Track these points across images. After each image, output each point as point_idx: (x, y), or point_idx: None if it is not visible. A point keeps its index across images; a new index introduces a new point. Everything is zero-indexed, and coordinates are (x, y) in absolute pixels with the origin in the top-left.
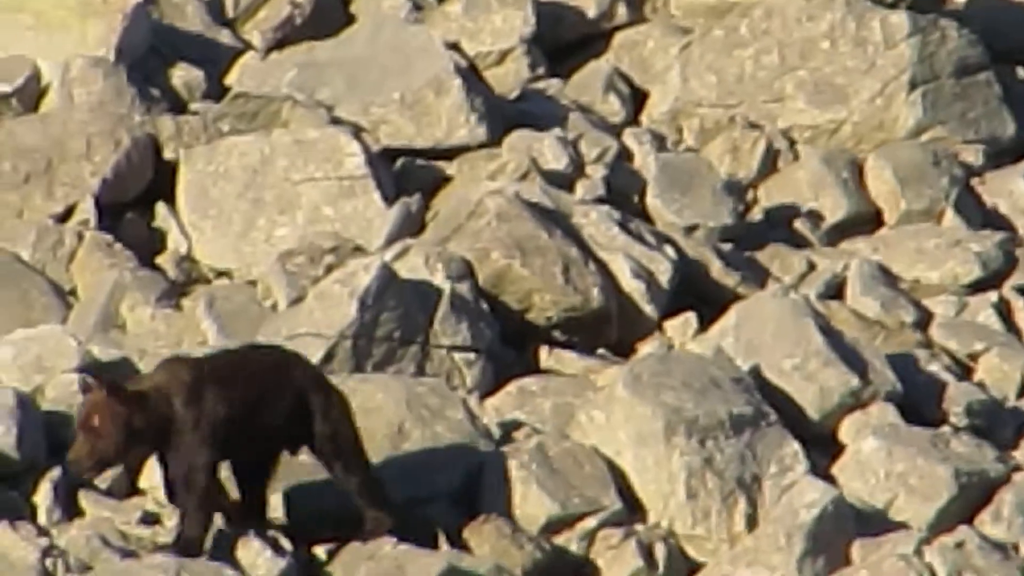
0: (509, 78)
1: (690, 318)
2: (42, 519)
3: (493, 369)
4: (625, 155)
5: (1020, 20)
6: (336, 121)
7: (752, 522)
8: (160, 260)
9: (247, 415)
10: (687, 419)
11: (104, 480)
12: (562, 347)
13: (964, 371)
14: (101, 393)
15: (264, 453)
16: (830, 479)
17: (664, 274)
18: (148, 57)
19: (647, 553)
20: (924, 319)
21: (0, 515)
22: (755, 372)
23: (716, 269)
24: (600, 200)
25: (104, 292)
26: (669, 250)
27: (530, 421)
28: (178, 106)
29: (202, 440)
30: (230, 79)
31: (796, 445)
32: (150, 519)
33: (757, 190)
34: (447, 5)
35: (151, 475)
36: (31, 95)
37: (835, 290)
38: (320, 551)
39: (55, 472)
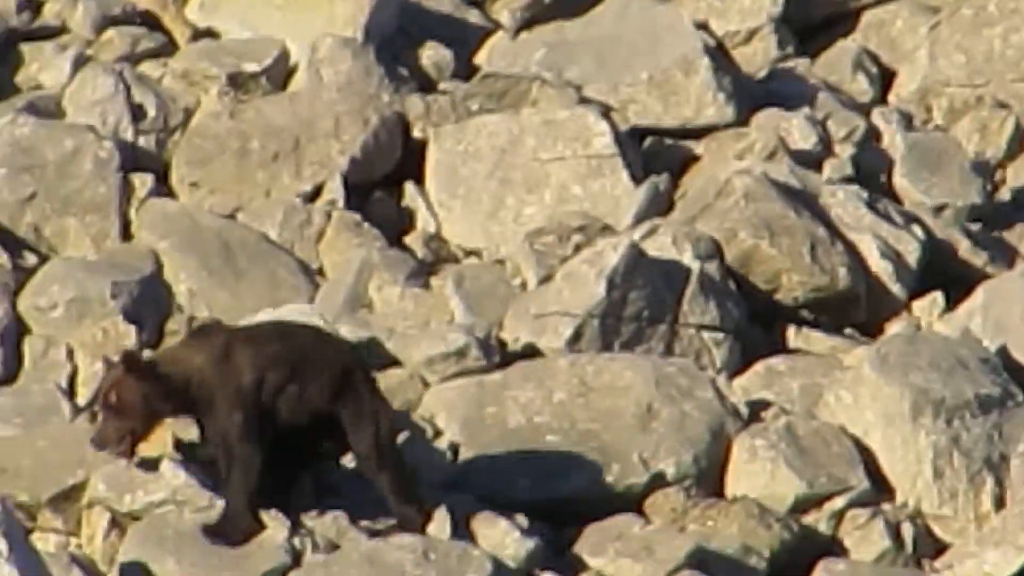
0: (757, 57)
1: (937, 298)
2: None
3: (741, 349)
4: (873, 135)
5: None
6: (584, 100)
7: (999, 502)
8: (408, 239)
9: (280, 383)
10: (934, 399)
11: (350, 460)
12: (810, 327)
13: None
14: (119, 369)
15: (296, 436)
16: None
17: (912, 254)
18: (396, 37)
19: (894, 533)
20: None
21: None
22: (1002, 352)
23: (964, 249)
24: (848, 180)
25: (352, 271)
26: (917, 230)
27: (778, 401)
28: (427, 85)
29: (232, 402)
30: (479, 58)
31: None
32: None
33: (1005, 170)
34: None
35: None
36: (280, 75)
37: None
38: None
39: None
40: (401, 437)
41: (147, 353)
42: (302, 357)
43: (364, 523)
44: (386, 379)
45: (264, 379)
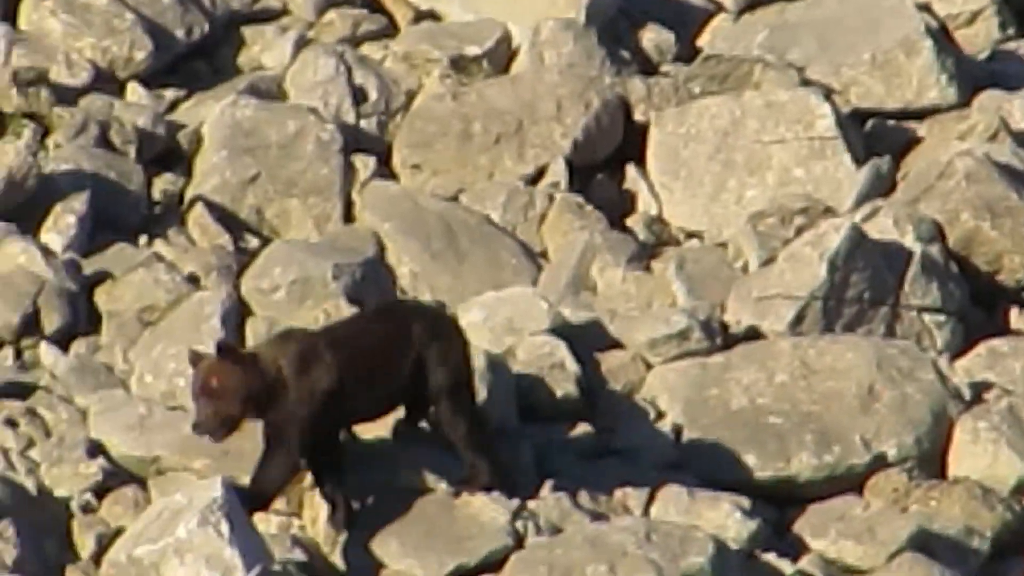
0: (979, 39)
1: None
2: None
3: (963, 330)
4: None
5: None
6: (806, 82)
7: None
8: (630, 222)
9: (360, 385)
10: None
11: (574, 443)
12: None
13: None
14: (213, 356)
15: (381, 412)
16: None
17: None
18: (618, 19)
19: None
20: None
21: None
22: None
23: None
24: None
25: (574, 254)
26: None
27: (1000, 382)
28: (648, 68)
29: (303, 408)
30: (701, 41)
31: None
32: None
33: None
34: None
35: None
36: (501, 57)
37: None
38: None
39: (525, 434)
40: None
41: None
42: (383, 350)
43: (587, 505)
44: (607, 360)
45: (341, 387)
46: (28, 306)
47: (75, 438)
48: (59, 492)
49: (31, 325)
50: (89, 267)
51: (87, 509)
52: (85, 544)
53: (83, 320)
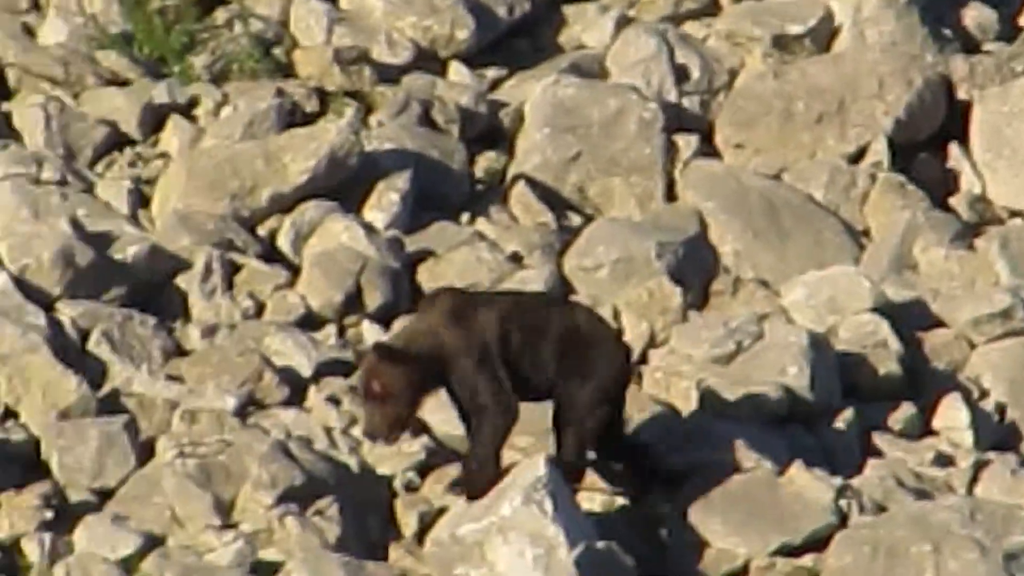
0: None
1: None
2: (837, 460)
3: None
4: None
5: None
6: None
7: None
8: (953, 201)
9: (516, 343)
10: None
11: (897, 422)
12: None
13: None
14: (373, 358)
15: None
16: None
17: None
18: None
19: None
20: None
21: (796, 455)
22: None
23: None
24: None
25: (897, 233)
26: None
27: None
28: (970, 46)
29: (478, 362)
30: (1023, 19)
31: None
32: (943, 460)
33: None
34: None
35: (944, 415)
36: (823, 35)
37: None
38: None
39: (847, 413)
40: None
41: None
42: (534, 316)
43: (910, 484)
44: (930, 339)
45: (499, 336)
46: (351, 284)
47: None
48: (382, 470)
49: (354, 303)
50: (412, 245)
51: (410, 487)
52: (408, 523)
53: (405, 298)
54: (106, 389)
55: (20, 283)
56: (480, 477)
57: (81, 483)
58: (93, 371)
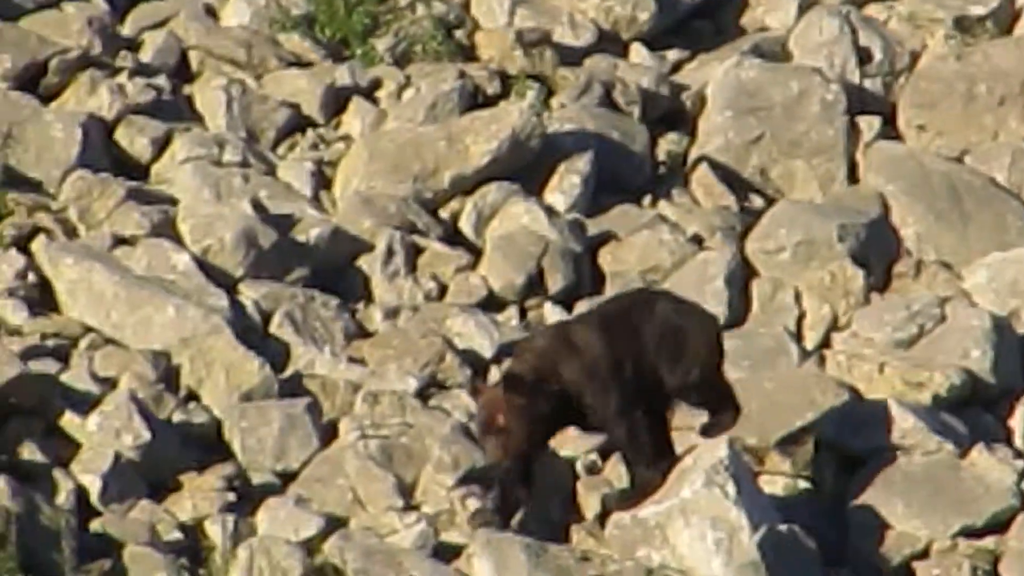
0: None
1: None
2: (1018, 442)
3: None
4: None
5: None
6: None
7: None
8: None
9: (633, 357)
10: None
11: None
12: None
13: None
14: (497, 390)
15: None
16: None
17: None
18: None
19: None
20: None
21: (978, 438)
22: None
23: None
24: None
25: None
26: None
27: None
28: None
29: (611, 384)
30: None
31: None
32: None
33: None
34: None
35: None
36: (1005, 18)
37: None
38: None
39: None
40: None
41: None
42: (637, 326)
43: None
44: None
45: (620, 355)
46: (532, 266)
47: None
48: (564, 452)
49: (535, 285)
50: (593, 228)
51: (592, 470)
52: (590, 504)
53: (587, 281)
54: (288, 371)
55: (202, 264)
56: (652, 480)
57: (264, 465)
58: (275, 353)
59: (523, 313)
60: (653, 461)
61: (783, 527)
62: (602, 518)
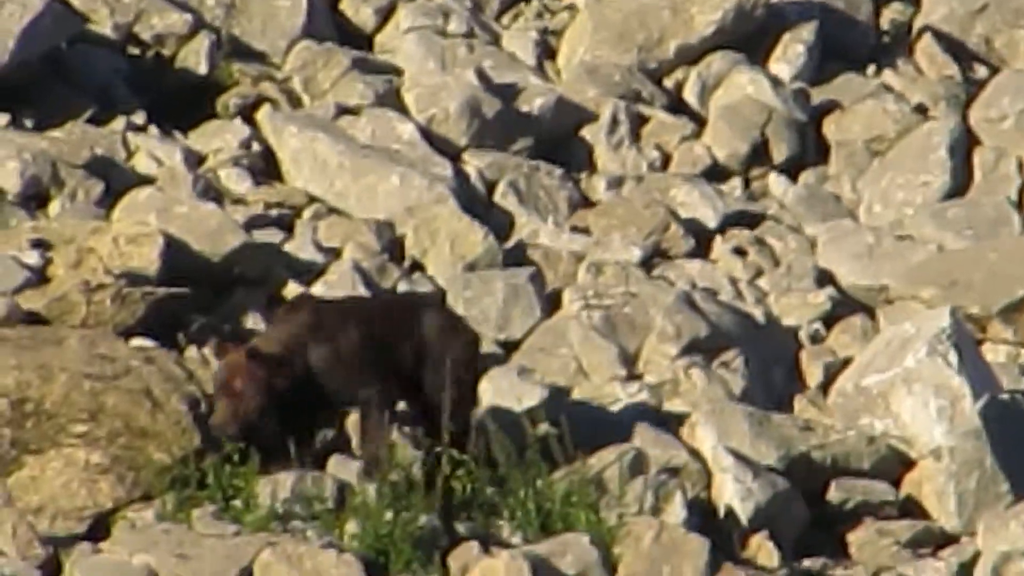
0: None
1: None
2: None
3: None
4: None
5: None
6: None
7: None
8: None
9: (376, 350)
10: None
11: None
12: None
13: None
14: (239, 355)
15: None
16: None
17: None
18: None
19: None
20: None
21: None
22: None
23: None
24: None
25: None
26: None
27: None
28: None
29: (359, 372)
30: None
31: None
32: None
33: None
34: None
35: None
36: None
37: None
38: None
39: None
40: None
41: None
42: (391, 325)
43: None
44: None
45: (364, 343)
46: (756, 136)
47: (803, 267)
48: (787, 321)
49: (759, 155)
50: (817, 97)
51: (815, 339)
52: (812, 374)
53: (811, 150)
54: (512, 241)
55: (427, 134)
56: (375, 469)
57: (487, 335)
58: (499, 223)
59: (747, 183)
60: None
61: (1005, 395)
62: (825, 387)
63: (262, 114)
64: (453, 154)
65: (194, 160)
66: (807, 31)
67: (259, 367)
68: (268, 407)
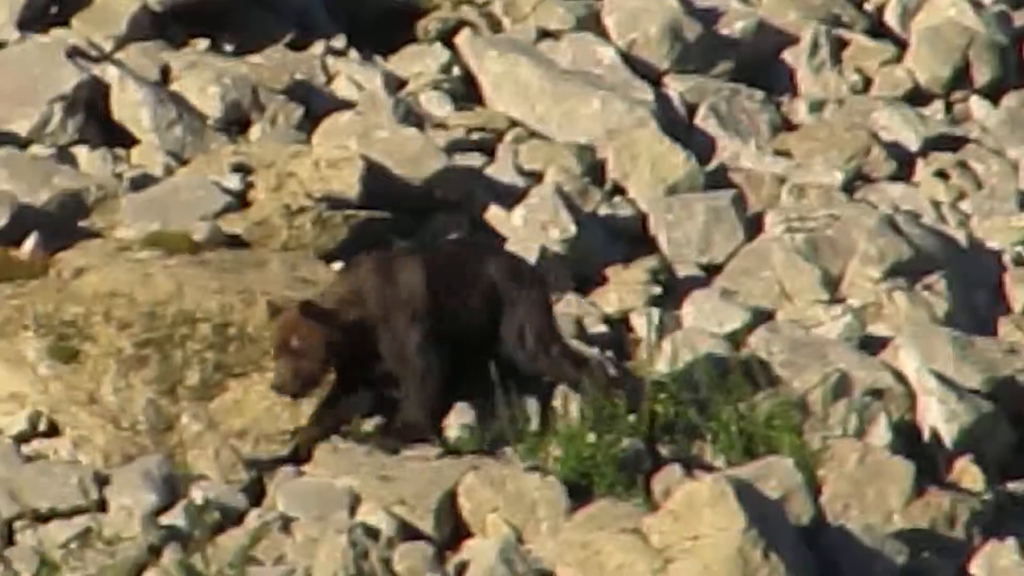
0: None
1: None
2: None
3: None
4: None
5: None
6: None
7: None
8: None
9: (441, 296)
10: None
11: None
12: None
13: None
14: (294, 313)
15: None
16: None
17: None
18: None
19: None
20: None
21: None
22: None
23: None
24: None
25: None
26: None
27: None
28: None
29: (407, 318)
30: None
31: None
32: None
33: None
34: None
35: None
36: None
37: None
38: None
39: None
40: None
41: None
42: (458, 269)
43: None
44: None
45: (427, 291)
46: (958, 59)
47: (1006, 190)
48: (990, 245)
49: (961, 78)
50: (1019, 19)
51: (1019, 262)
52: (1017, 297)
53: (1013, 73)
54: (713, 164)
55: (627, 58)
56: (410, 435)
57: (689, 258)
58: (700, 146)
59: (948, 106)
60: (427, 408)
61: None
62: None
63: (462, 38)
64: (654, 77)
65: (394, 84)
66: None
67: (314, 323)
68: (327, 362)
